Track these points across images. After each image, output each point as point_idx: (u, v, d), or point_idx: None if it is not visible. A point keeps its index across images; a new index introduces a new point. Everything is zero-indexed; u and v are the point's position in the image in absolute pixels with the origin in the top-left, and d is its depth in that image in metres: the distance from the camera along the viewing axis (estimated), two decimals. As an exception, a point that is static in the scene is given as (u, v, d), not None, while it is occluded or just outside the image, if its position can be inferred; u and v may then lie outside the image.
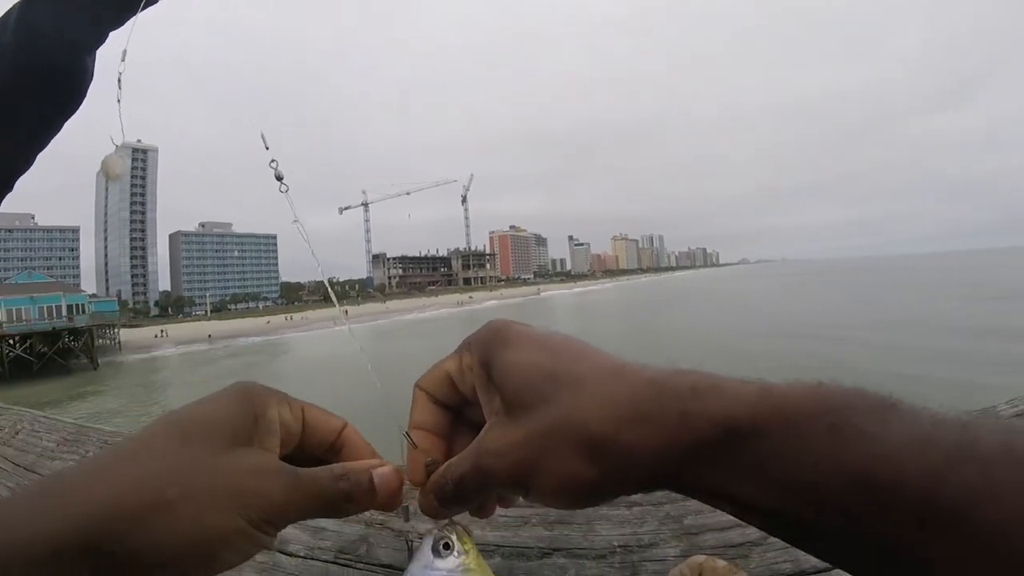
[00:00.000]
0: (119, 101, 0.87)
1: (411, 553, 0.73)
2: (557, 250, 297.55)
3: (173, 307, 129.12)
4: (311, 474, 0.44)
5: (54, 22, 0.86)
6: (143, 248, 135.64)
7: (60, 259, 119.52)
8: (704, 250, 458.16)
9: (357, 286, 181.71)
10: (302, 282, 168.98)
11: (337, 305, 0.70)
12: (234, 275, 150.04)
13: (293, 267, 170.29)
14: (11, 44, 0.86)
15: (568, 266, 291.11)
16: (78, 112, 0.97)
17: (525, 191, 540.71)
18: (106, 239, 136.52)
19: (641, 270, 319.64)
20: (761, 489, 0.35)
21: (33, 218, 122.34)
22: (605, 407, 0.39)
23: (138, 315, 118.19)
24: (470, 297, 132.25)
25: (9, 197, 0.95)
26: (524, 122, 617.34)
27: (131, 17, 0.90)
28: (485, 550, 0.79)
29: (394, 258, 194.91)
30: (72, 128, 0.97)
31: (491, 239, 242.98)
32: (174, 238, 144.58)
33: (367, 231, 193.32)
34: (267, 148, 0.59)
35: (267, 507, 0.41)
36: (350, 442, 0.50)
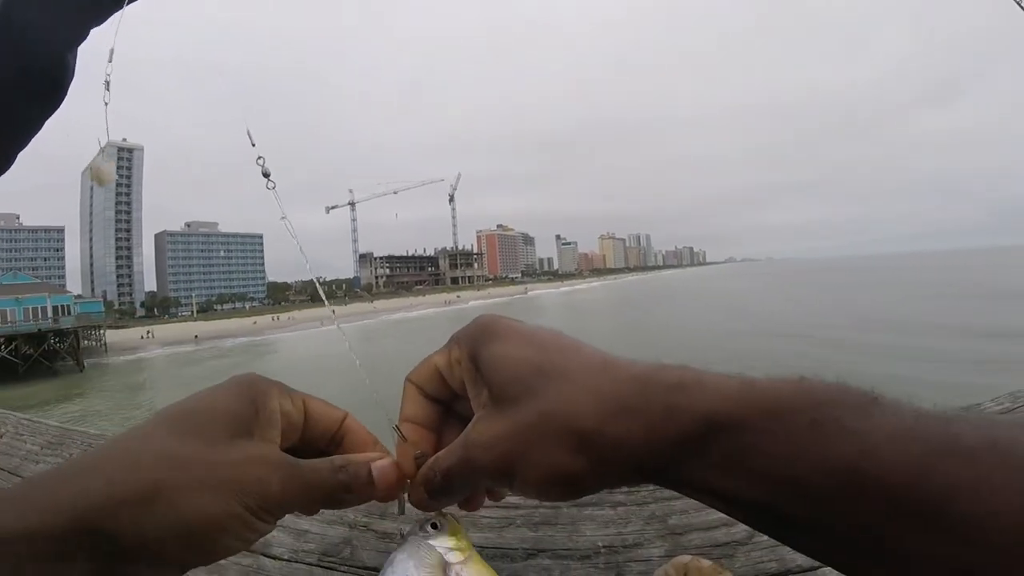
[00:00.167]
0: (107, 104, 0.86)
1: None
2: (544, 249, 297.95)
3: (159, 308, 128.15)
4: (310, 464, 0.44)
5: (39, 19, 0.84)
6: (128, 248, 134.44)
7: (45, 260, 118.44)
8: (691, 249, 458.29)
9: (344, 286, 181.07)
10: (289, 282, 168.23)
11: (327, 303, 0.69)
12: (220, 275, 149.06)
13: (279, 267, 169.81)
14: None
15: (555, 265, 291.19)
16: (60, 111, 0.95)
17: (512, 190, 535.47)
18: (91, 239, 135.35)
19: (628, 269, 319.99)
20: (744, 483, 0.35)
21: (18, 218, 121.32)
22: (591, 400, 0.40)
23: (124, 316, 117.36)
24: (458, 296, 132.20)
25: None
26: (512, 122, 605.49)
27: (112, 14, 0.89)
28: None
29: (381, 257, 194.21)
30: (54, 127, 0.95)
31: (478, 238, 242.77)
32: (160, 238, 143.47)
33: (354, 230, 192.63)
34: (253, 145, 0.58)
35: (265, 495, 0.41)
36: (352, 432, 0.50)
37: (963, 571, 0.28)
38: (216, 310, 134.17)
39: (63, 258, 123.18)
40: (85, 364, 50.65)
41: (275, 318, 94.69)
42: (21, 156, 0.95)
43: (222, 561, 0.43)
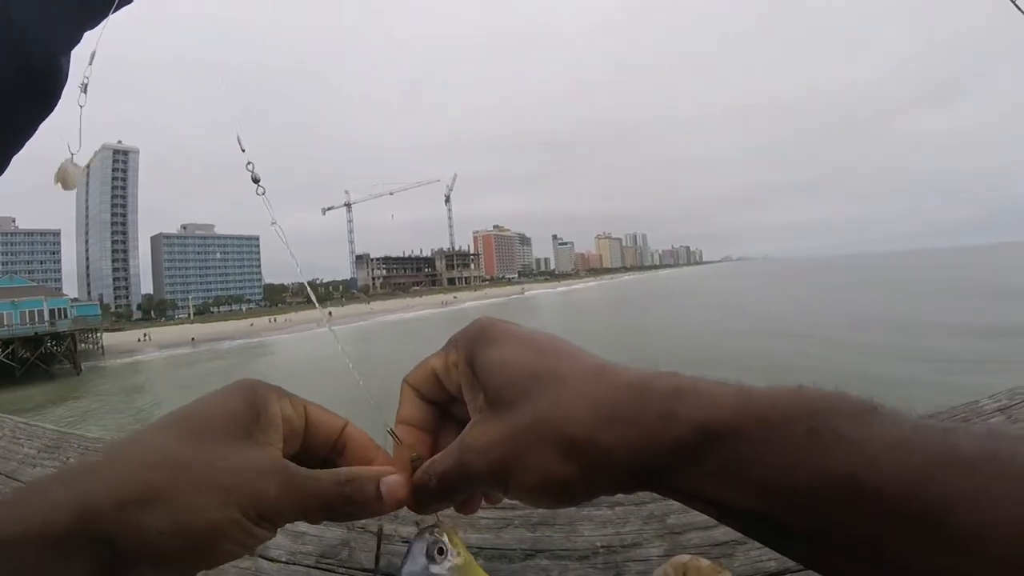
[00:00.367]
0: (81, 107, 0.86)
1: (379, 549, 0.74)
2: (541, 249, 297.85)
3: (156, 310, 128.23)
4: (311, 474, 0.44)
5: (39, 20, 0.84)
6: (125, 251, 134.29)
7: (41, 263, 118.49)
8: (687, 248, 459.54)
9: (341, 287, 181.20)
10: (285, 284, 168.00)
11: (319, 307, 0.68)
12: (217, 277, 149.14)
13: (276, 269, 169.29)
14: None
15: (552, 265, 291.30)
16: (57, 113, 0.94)
17: (510, 190, 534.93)
18: (87, 242, 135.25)
19: (625, 268, 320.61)
20: (739, 492, 0.35)
21: (14, 221, 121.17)
22: (584, 406, 0.40)
23: (120, 319, 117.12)
24: (454, 297, 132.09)
25: None
26: (512, 122, 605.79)
27: (105, 18, 0.89)
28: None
29: (378, 259, 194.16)
30: (49, 130, 0.95)
31: (475, 239, 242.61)
32: (156, 240, 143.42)
33: (350, 232, 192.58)
34: (243, 151, 0.58)
35: (261, 501, 0.41)
36: (354, 440, 0.50)
37: None
38: (213, 312, 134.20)
39: (59, 261, 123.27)
40: (82, 367, 50.49)
41: (272, 320, 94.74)
42: (16, 159, 0.95)
43: None
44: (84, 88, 0.87)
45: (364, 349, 43.09)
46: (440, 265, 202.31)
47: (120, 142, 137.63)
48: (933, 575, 0.29)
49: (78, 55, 0.93)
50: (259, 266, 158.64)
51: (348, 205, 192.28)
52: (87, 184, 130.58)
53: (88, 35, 0.90)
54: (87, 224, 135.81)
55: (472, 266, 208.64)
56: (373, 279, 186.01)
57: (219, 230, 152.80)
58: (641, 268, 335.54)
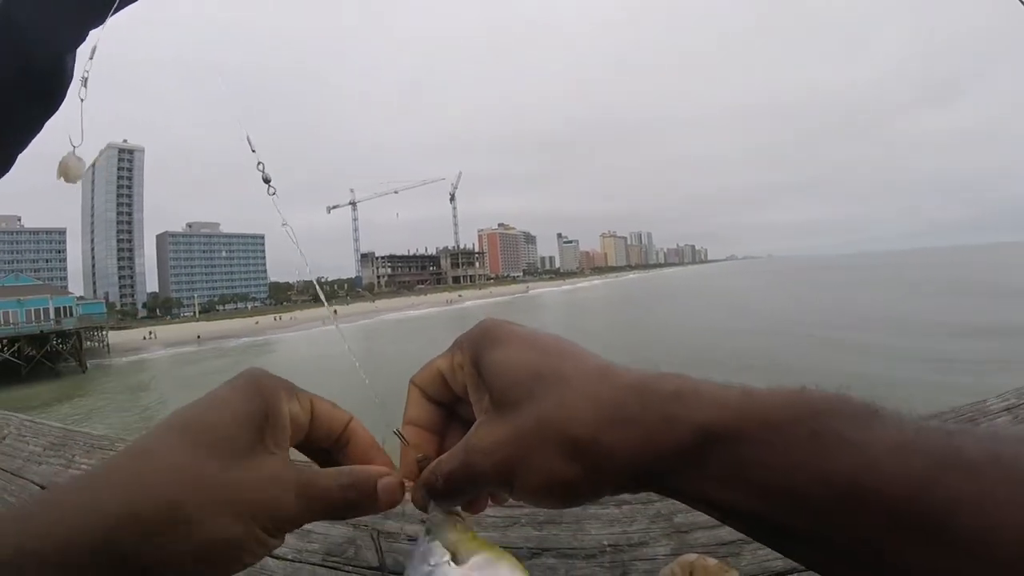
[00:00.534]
0: (82, 100, 0.84)
1: (381, 551, 0.76)
2: (546, 248, 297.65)
3: (161, 308, 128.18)
4: (322, 485, 0.45)
5: (40, 20, 0.85)
6: (130, 249, 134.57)
7: (47, 261, 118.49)
8: (692, 247, 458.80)
9: (346, 285, 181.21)
10: (291, 282, 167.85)
11: (326, 305, 0.68)
12: (222, 276, 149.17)
13: (281, 267, 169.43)
14: None
15: (557, 263, 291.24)
16: (61, 112, 0.95)
17: (513, 190, 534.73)
18: (93, 240, 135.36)
19: (630, 267, 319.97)
20: (741, 495, 0.35)
21: (19, 220, 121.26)
22: (588, 407, 0.40)
23: (126, 317, 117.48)
24: (459, 296, 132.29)
25: None
26: (512, 122, 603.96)
27: (109, 18, 0.88)
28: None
29: (383, 257, 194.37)
30: (54, 128, 0.95)
31: (480, 237, 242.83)
32: (161, 239, 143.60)
33: (355, 230, 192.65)
34: (253, 151, 0.57)
35: (280, 514, 0.42)
36: (356, 436, 0.50)
37: None
38: (218, 310, 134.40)
39: (65, 259, 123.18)
40: (88, 365, 50.88)
41: (277, 318, 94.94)
42: (21, 158, 0.96)
43: None
44: (84, 82, 0.86)
45: (369, 347, 43.21)
46: (445, 263, 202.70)
47: (125, 141, 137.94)
48: None
49: (79, 51, 0.93)
50: (264, 264, 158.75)
51: (353, 204, 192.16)
52: (92, 183, 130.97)
53: (93, 34, 0.90)
54: (93, 222, 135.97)
55: (477, 264, 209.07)
56: (378, 277, 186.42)
57: (224, 229, 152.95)
58: (646, 267, 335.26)
